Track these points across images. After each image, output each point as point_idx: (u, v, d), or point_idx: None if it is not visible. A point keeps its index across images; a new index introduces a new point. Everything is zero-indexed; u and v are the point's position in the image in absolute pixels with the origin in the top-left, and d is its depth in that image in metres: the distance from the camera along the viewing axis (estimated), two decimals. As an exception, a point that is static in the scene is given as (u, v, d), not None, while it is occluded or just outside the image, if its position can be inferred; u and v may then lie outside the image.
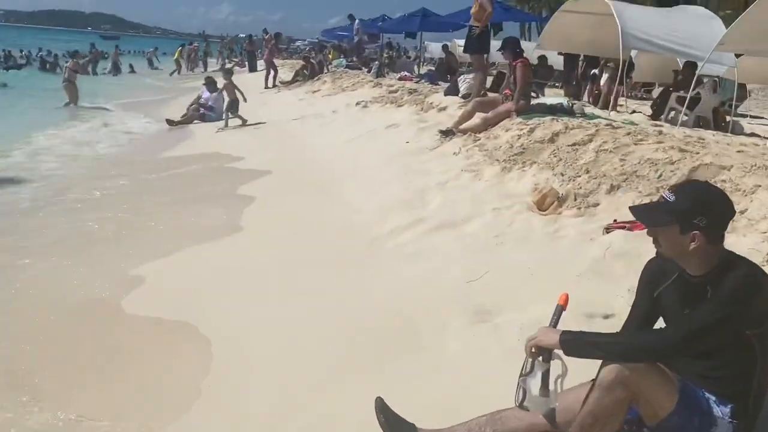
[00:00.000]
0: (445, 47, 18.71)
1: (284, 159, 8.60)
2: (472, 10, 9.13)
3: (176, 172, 8.10)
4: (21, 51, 34.64)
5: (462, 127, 7.74)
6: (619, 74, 9.62)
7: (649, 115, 10.99)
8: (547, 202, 4.62)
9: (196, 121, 13.63)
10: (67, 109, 15.99)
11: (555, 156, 5.69)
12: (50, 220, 5.90)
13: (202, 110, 13.82)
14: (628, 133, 6.03)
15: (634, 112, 10.65)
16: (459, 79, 10.08)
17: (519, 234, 4.34)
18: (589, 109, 8.43)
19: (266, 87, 19.11)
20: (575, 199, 4.61)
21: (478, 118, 7.84)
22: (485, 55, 9.65)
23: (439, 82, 13.57)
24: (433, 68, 20.96)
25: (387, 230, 4.96)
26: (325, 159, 8.29)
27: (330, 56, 23.12)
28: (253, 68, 25.19)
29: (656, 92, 19.56)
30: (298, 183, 7.16)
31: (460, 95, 9.81)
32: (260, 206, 6.20)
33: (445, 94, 10.15)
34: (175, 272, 4.54)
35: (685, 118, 10.03)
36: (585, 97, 17.64)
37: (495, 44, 10.48)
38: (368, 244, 4.77)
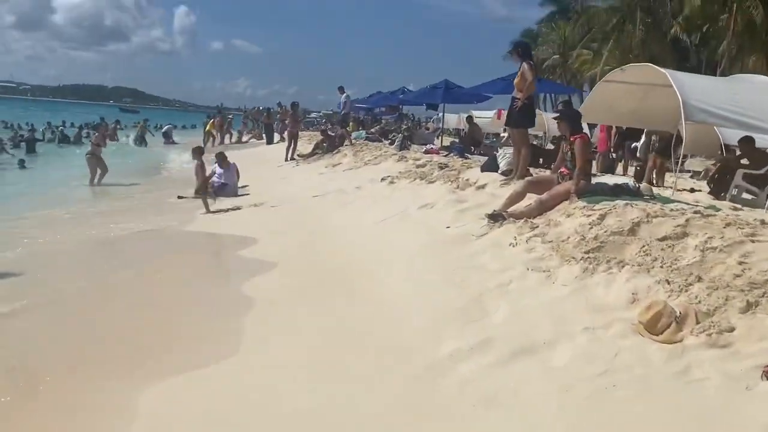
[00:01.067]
0: (469, 118, 18.04)
1: (304, 244, 7.56)
2: (515, 80, 8.29)
3: (171, 262, 7.06)
4: (48, 124, 34.40)
5: (512, 210, 6.71)
6: (680, 149, 8.63)
7: (708, 193, 9.96)
8: (661, 324, 3.49)
9: (209, 198, 12.80)
10: (88, 188, 15.11)
11: (646, 254, 4.59)
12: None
13: (215, 186, 13.01)
14: (728, 224, 4.94)
15: (693, 190, 9.62)
16: (498, 154, 9.14)
17: (634, 372, 3.18)
18: (655, 190, 7.36)
19: (287, 160, 18.43)
20: (698, 321, 3.48)
21: (529, 199, 6.84)
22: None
23: (468, 155, 12.69)
24: (456, 140, 20.28)
25: (444, 355, 3.81)
26: (351, 245, 7.23)
27: (349, 128, 22.54)
28: (270, 141, 24.70)
29: (690, 164, 18.64)
30: (321, 276, 6.06)
31: (499, 171, 8.84)
32: (273, 312, 5.10)
33: (482, 170, 9.18)
34: (147, 416, 3.41)
35: (749, 197, 8.99)
36: (619, 171, 16.74)
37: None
38: (421, 376, 3.62)
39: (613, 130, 16.14)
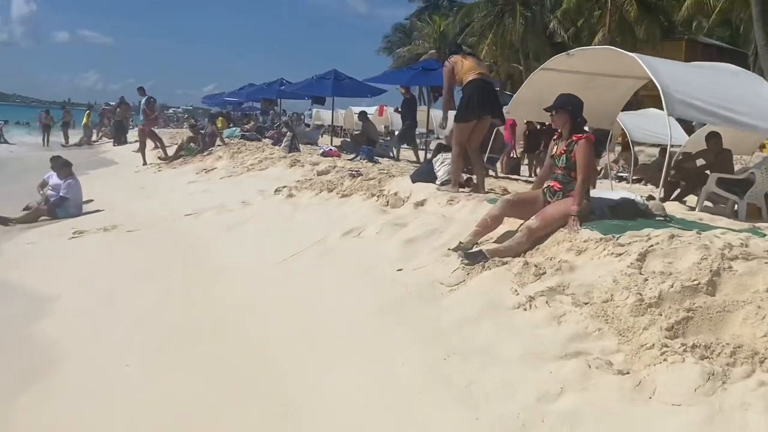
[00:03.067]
0: (363, 114, 15.95)
1: (169, 305, 4.94)
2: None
3: None
4: None
5: (486, 241, 4.76)
6: (668, 152, 7.12)
7: (662, 198, 8.64)
8: None
9: (43, 218, 9.72)
10: None
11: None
12: None
13: (51, 201, 9.94)
14: None
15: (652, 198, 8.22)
16: (434, 159, 7.13)
17: None
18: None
19: (144, 164, 15.42)
20: None
21: (506, 225, 4.92)
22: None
23: (378, 159, 10.65)
24: (348, 139, 18.21)
25: None
26: (248, 306, 4.75)
27: (219, 125, 19.62)
28: (121, 141, 21.10)
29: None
30: (204, 388, 3.63)
31: (438, 183, 6.85)
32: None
33: (414, 180, 7.15)
34: None
35: (709, 204, 7.75)
36: (524, 173, 15.50)
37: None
38: None
39: (524, 128, 14.87)
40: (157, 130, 18.89)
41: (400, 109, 14.30)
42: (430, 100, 14.85)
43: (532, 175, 15.15)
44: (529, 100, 9.25)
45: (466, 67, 6.60)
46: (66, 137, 26.55)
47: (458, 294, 4.14)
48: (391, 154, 15.66)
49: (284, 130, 18.26)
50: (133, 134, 22.76)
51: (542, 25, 31.65)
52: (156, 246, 7.06)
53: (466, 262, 4.41)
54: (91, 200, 10.74)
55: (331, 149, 11.67)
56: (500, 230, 4.94)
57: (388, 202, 6.69)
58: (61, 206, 9.79)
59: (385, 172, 8.43)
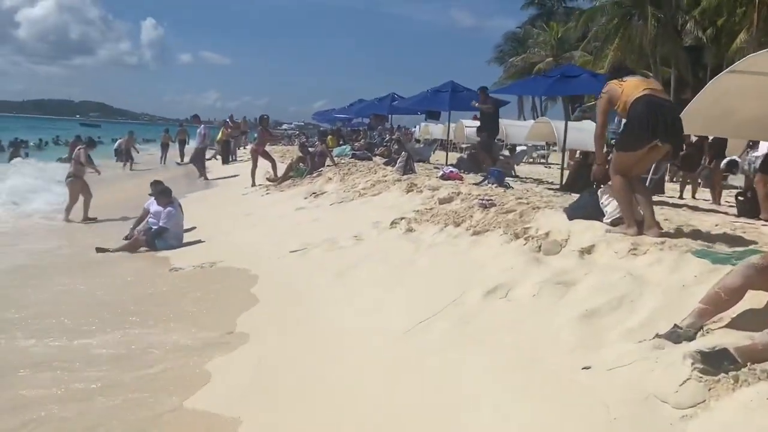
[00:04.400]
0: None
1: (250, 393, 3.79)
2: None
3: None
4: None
5: (729, 333, 3.12)
6: None
7: None
8: None
9: (142, 249, 9.04)
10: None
11: None
12: None
13: (152, 231, 9.23)
14: None
15: None
16: (600, 191, 5.50)
17: None
18: None
19: (253, 185, 14.78)
20: None
21: (747, 301, 3.25)
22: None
23: (510, 182, 9.10)
24: (463, 155, 16.75)
25: None
26: (363, 417, 3.42)
27: (329, 143, 18.80)
28: (227, 159, 20.86)
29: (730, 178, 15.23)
30: None
31: (607, 221, 5.24)
32: None
33: (570, 217, 5.56)
34: None
35: None
36: (671, 191, 13.35)
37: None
38: None
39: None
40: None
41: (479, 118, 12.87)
42: (567, 111, 13.05)
43: (682, 196, 13.00)
44: (708, 111, 7.38)
45: (628, 88, 4.99)
46: (182, 155, 26.78)
47: (700, 428, 2.56)
48: (513, 173, 14.13)
49: (395, 147, 17.15)
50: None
51: (673, 28, 28.63)
52: (253, 294, 5.94)
53: (702, 367, 2.80)
54: (193, 227, 10.01)
55: (452, 171, 10.24)
56: (738, 306, 3.29)
57: (539, 246, 5.15)
58: (160, 237, 9.05)
59: (525, 202, 6.87)
